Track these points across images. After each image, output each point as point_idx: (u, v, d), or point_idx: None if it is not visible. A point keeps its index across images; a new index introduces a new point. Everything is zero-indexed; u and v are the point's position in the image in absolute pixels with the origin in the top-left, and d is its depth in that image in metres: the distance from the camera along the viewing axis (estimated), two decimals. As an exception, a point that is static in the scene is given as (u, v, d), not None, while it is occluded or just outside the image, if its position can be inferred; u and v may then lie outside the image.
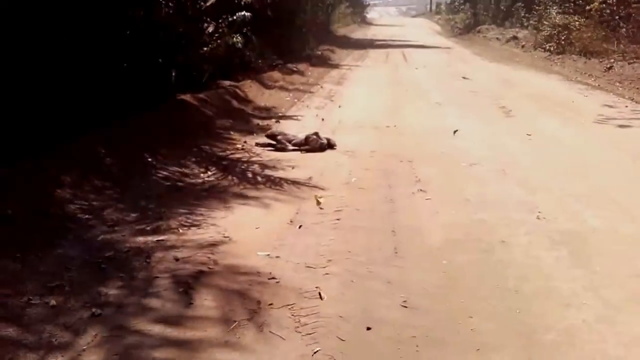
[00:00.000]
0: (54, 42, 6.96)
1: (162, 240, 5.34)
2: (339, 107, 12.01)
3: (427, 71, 18.80)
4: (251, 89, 12.69)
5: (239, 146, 8.60)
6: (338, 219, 5.87)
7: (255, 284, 4.60)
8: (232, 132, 9.26)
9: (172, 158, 7.57)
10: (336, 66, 19.71)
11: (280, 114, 10.99)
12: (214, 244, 5.28)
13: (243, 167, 7.63)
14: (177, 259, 4.98)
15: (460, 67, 19.62)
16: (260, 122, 10.17)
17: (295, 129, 9.64)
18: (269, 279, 4.68)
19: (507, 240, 5.38)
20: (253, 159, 8.00)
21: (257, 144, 8.65)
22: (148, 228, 5.60)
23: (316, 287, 4.54)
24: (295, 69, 16.58)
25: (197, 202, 6.29)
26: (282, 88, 13.69)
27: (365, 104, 12.21)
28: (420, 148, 8.67)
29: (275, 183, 6.98)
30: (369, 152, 8.38)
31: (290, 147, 8.49)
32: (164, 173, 7.11)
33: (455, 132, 7.94)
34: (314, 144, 8.46)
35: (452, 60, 22.27)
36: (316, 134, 8.57)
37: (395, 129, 9.98)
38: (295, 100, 12.48)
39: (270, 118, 10.58)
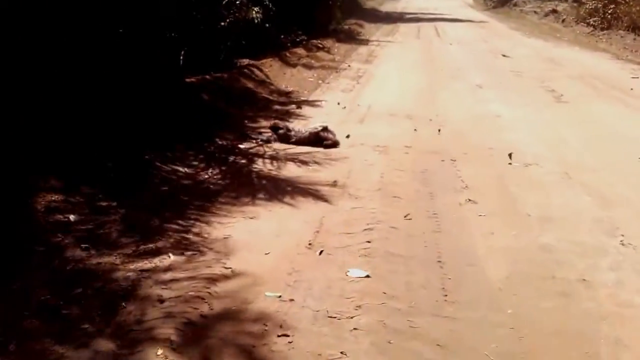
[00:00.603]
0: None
1: (148, 270, 4.20)
2: (367, 90, 10.71)
3: (462, 48, 17.37)
4: (271, 68, 11.46)
5: (259, 141, 7.37)
6: (369, 242, 4.67)
7: (260, 345, 3.44)
8: (245, 121, 8.02)
9: (173, 154, 6.40)
10: (364, 42, 18.33)
11: (301, 98, 9.76)
12: (211, 278, 4.13)
13: (255, 166, 6.43)
14: (161, 301, 3.84)
15: (497, 44, 18.14)
16: (280, 108, 8.95)
17: (318, 118, 8.42)
18: (278, 336, 3.52)
19: (589, 279, 4.15)
20: (267, 155, 6.79)
21: (252, 138, 7.41)
22: (133, 251, 4.47)
23: (341, 353, 3.36)
24: (320, 45, 15.28)
25: (196, 213, 5.14)
26: (305, 66, 12.42)
27: (397, 87, 10.91)
28: (463, 143, 7.40)
29: (293, 188, 5.79)
30: (403, 148, 7.14)
31: (293, 140, 7.27)
32: (163, 173, 5.96)
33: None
34: (313, 140, 7.25)
35: (488, 36, 20.75)
36: (325, 128, 7.32)
37: (432, 117, 8.69)
38: (320, 81, 11.22)
39: (290, 103, 9.35)
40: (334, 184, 5.89)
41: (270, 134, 7.35)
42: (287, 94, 9.94)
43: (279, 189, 5.75)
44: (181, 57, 8.57)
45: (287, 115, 8.57)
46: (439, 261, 4.42)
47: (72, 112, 6.02)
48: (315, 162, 6.52)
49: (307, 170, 6.33)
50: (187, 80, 8.77)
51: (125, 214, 4.95)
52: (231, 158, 6.67)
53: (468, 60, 14.80)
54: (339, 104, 9.17)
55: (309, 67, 12.47)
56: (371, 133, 7.76)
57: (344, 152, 6.98)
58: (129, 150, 6.11)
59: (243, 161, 6.58)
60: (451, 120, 8.53)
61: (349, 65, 13.36)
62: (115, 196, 5.21)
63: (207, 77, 9.20)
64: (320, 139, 7.19)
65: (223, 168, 6.30)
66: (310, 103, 9.40)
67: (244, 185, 5.87)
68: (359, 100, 9.74)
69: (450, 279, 4.18)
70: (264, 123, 7.87)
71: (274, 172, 6.23)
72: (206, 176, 6.06)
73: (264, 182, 5.97)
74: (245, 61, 11.15)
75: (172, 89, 7.96)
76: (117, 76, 6.92)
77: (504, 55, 15.44)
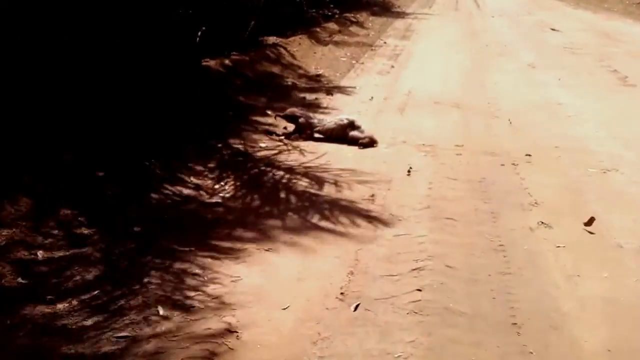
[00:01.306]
0: None
1: (123, 338, 3.10)
2: (407, 71, 9.41)
3: (505, 20, 15.90)
4: (300, 47, 10.22)
5: (275, 136, 6.19)
6: (419, 290, 3.52)
7: None
8: (268, 112, 6.83)
9: (179, 160, 5.26)
10: (400, 15, 16.92)
11: (333, 83, 8.52)
12: (209, 352, 3.00)
13: (275, 174, 5.28)
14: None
15: (542, 15, 16.62)
16: (307, 96, 7.72)
17: (351, 107, 7.21)
18: None
19: None
20: (290, 158, 5.62)
21: (271, 134, 6.28)
22: (107, 306, 3.37)
23: None
24: (353, 18, 13.97)
25: (198, 245, 4.02)
26: (337, 44, 11.15)
27: (439, 68, 9.60)
28: (523, 139, 6.14)
29: (320, 205, 4.63)
30: (454, 148, 5.90)
31: (316, 135, 6.15)
32: (165, 186, 4.83)
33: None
34: (337, 134, 6.10)
35: (531, 7, 19.16)
36: (351, 124, 6.13)
37: (483, 106, 7.41)
38: (353, 61, 9.95)
39: (319, 90, 8.11)
40: (372, 199, 4.72)
41: (287, 128, 6.16)
42: (316, 77, 8.71)
43: (304, 208, 4.59)
44: (198, 38, 7.39)
45: (316, 104, 7.33)
46: (514, 324, 3.24)
47: (58, 107, 4.93)
48: (348, 170, 5.31)
49: (338, 179, 5.14)
50: (204, 63, 7.59)
51: (108, 249, 3.84)
52: (247, 164, 5.49)
53: (514, 35, 13.37)
54: (371, 99, 7.82)
55: (341, 44, 11.19)
56: (414, 127, 6.54)
57: (383, 153, 5.79)
58: (126, 154, 5.01)
59: (261, 168, 5.41)
60: (505, 109, 7.24)
61: (385, 42, 12.04)
62: (99, 221, 4.10)
63: (227, 60, 8.02)
64: (348, 136, 5.99)
65: (236, 179, 5.14)
66: (342, 89, 8.15)
67: (261, 202, 4.72)
68: (398, 85, 8.48)
69: (532, 353, 3.00)
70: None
71: (298, 184, 5.04)
72: (216, 187, 4.91)
73: (285, 197, 4.80)
74: (272, 39, 9.94)
75: (185, 75, 6.81)
76: (118, 61, 5.79)
77: (552, 29, 13.96)
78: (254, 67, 8.24)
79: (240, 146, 5.86)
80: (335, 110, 7.08)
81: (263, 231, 4.21)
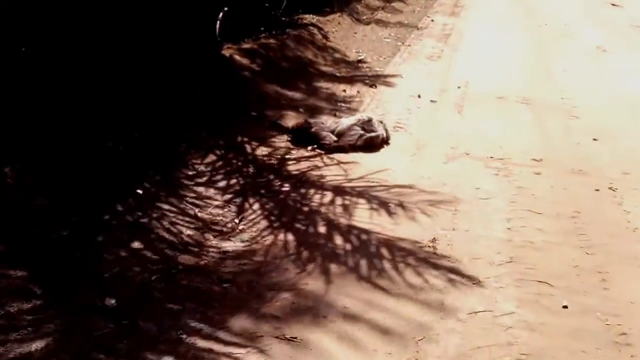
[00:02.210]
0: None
1: None
2: (460, 56, 7.99)
3: (560, -6, 14.16)
4: (340, 26, 8.84)
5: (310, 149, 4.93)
6: None
7: None
8: (292, 113, 5.54)
9: (181, 182, 4.05)
10: (446, -13, 15.26)
11: (376, 72, 7.14)
12: None
13: (311, 198, 4.04)
14: None
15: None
16: (346, 91, 6.38)
17: (399, 104, 5.89)
18: None
19: None
20: (325, 176, 4.35)
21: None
22: None
23: None
24: (397, -8, 12.44)
25: (199, 329, 2.79)
26: (380, 23, 9.72)
27: (496, 51, 8.13)
28: (615, 149, 4.81)
29: (369, 253, 3.36)
30: (531, 163, 4.58)
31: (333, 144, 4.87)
32: (157, 227, 3.59)
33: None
34: (352, 139, 4.84)
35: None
36: (367, 122, 4.92)
37: (556, 102, 6.02)
38: (399, 43, 8.53)
39: (361, 79, 6.76)
40: (433, 245, 3.44)
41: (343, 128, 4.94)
42: (357, 63, 7.35)
43: (350, 253, 3.34)
44: (218, 21, 6.11)
45: (352, 102, 6.01)
46: None
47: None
48: (400, 191, 4.04)
49: (383, 210, 3.86)
50: (227, 51, 6.32)
51: (67, 333, 2.65)
52: (274, 182, 4.24)
53: (573, 11, 11.71)
54: (419, 97, 6.34)
55: (384, 23, 9.75)
56: (476, 131, 5.22)
57: (442, 170, 4.48)
58: (111, 176, 3.80)
59: (293, 188, 4.15)
60: (584, 107, 5.84)
61: (432, 20, 10.54)
62: (56, 288, 2.91)
63: (255, 45, 6.72)
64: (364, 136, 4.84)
65: (261, 207, 3.90)
66: (387, 80, 6.79)
67: (286, 242, 3.47)
68: (451, 73, 7.08)
69: None
70: (323, 117, 5.38)
71: (341, 213, 3.79)
72: (228, 222, 3.68)
73: (326, 234, 3.57)
74: (308, 18, 8.58)
75: (201, 68, 5.56)
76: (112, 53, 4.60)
77: (613, 4, 12.27)
78: (286, 52, 6.92)
79: (265, 157, 4.61)
80: (381, 109, 5.77)
81: (290, 303, 2.97)
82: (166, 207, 3.71)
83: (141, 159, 4.10)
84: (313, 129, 4.90)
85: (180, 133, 4.59)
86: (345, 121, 4.98)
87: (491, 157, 4.67)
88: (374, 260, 3.30)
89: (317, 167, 4.55)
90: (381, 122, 5.03)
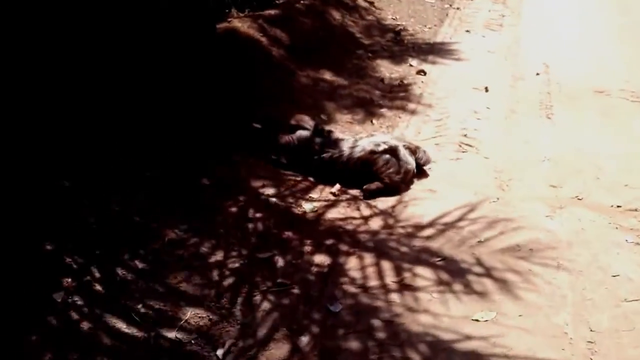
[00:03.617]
0: None
1: None
2: (528, 23, 6.07)
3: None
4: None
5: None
6: None
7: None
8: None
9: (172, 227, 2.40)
10: None
11: (421, 47, 5.31)
12: None
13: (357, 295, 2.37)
14: None
15: None
16: (392, 70, 4.62)
17: (459, 102, 4.13)
18: None
19: None
20: (369, 227, 2.68)
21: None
22: None
23: None
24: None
25: None
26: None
27: (572, 17, 6.17)
28: None
29: None
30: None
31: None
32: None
33: None
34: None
35: None
36: (391, 149, 3.20)
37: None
38: (446, 5, 6.59)
39: (401, 60, 4.94)
40: None
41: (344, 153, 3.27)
42: (395, 35, 5.51)
43: None
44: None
45: (398, 96, 4.25)
46: None
47: None
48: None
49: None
50: (228, 24, 4.54)
51: None
52: (290, 251, 2.59)
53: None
54: (487, 90, 4.47)
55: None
56: (583, 154, 3.49)
57: (546, 234, 2.74)
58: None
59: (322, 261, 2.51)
60: None
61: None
62: None
63: (270, 11, 4.91)
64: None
65: (275, 305, 2.25)
66: (437, 61, 4.97)
67: None
68: (521, 51, 5.24)
69: None
70: (347, 117, 3.66)
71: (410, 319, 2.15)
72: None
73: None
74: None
75: (192, 51, 3.83)
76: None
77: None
78: (301, 23, 5.07)
79: (273, 197, 2.94)
80: (430, 110, 4.02)
81: None
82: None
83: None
84: (284, 139, 3.29)
85: (144, 183, 2.91)
86: (364, 144, 3.25)
87: (618, 207, 2.93)
88: None
89: (347, 219, 2.87)
90: (411, 148, 3.29)
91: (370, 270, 2.57)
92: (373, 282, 2.50)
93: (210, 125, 3.52)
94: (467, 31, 5.74)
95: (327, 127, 3.52)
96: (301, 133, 3.37)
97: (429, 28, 5.82)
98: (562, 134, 3.73)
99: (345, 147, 3.25)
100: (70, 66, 3.23)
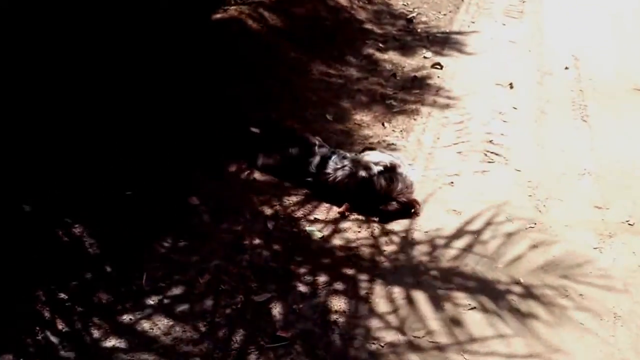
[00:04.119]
0: None
1: None
2: (551, 8, 5.52)
3: None
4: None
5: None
6: None
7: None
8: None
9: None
10: None
11: (435, 37, 4.78)
12: None
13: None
14: None
15: None
16: (405, 63, 4.12)
17: (480, 102, 3.64)
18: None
19: None
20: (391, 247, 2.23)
21: None
22: None
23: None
24: None
25: None
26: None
27: (607, 6, 5.58)
28: None
29: None
30: None
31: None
32: None
33: None
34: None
35: None
36: (389, 169, 2.72)
37: None
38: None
39: (413, 52, 4.43)
40: None
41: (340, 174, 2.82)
42: (407, 21, 5.00)
43: None
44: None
45: (413, 91, 3.77)
46: None
47: None
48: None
49: None
50: (221, 15, 4.04)
51: None
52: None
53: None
54: (511, 86, 3.94)
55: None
56: (630, 167, 2.97)
57: (596, 274, 2.29)
58: None
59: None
60: None
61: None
62: None
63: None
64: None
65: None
66: (454, 53, 4.46)
67: None
68: (546, 41, 4.72)
69: None
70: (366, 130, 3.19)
71: None
72: None
73: None
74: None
75: (186, 44, 3.36)
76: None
77: None
78: (305, 10, 4.56)
79: (272, 218, 2.49)
80: (448, 112, 3.54)
81: None
82: None
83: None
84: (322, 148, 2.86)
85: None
86: (349, 164, 2.80)
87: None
88: None
89: (360, 244, 2.42)
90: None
91: (403, 308, 2.12)
92: (412, 324, 2.05)
93: (202, 130, 3.05)
94: (485, 19, 5.21)
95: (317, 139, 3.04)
96: (291, 151, 2.92)
97: (444, 15, 5.30)
98: (602, 140, 3.25)
99: (331, 168, 2.80)
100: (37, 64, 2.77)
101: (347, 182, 2.74)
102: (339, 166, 2.79)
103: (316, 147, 2.89)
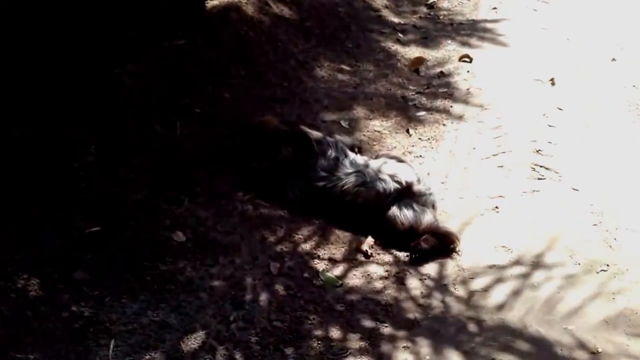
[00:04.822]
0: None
1: None
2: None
3: None
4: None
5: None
6: None
7: None
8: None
9: None
10: None
11: (461, 27, 4.16)
12: None
13: None
14: None
15: None
16: (429, 56, 3.56)
17: (523, 104, 3.06)
18: None
19: None
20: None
21: None
22: None
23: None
24: None
25: None
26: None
27: None
28: None
29: None
30: None
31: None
32: None
33: None
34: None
35: None
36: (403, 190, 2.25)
37: None
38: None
39: (438, 43, 3.84)
40: None
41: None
42: (428, 7, 4.38)
43: None
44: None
45: (440, 89, 3.21)
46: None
47: None
48: None
49: None
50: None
51: None
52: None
53: None
54: (553, 82, 3.28)
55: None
56: None
57: None
58: None
59: None
60: None
61: None
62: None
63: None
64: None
65: None
66: (483, 43, 3.85)
67: None
68: (582, 26, 4.10)
69: None
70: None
71: None
72: None
73: None
74: None
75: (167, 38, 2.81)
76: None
77: None
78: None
79: (275, 258, 1.98)
80: (481, 111, 2.97)
81: None
82: None
83: None
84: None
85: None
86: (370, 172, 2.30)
87: None
88: None
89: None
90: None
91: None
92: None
93: (185, 146, 2.49)
94: (512, 3, 4.59)
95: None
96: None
97: (468, 1, 4.69)
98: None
99: (342, 173, 2.25)
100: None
101: (357, 195, 2.20)
102: (349, 171, 2.25)
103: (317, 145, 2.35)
